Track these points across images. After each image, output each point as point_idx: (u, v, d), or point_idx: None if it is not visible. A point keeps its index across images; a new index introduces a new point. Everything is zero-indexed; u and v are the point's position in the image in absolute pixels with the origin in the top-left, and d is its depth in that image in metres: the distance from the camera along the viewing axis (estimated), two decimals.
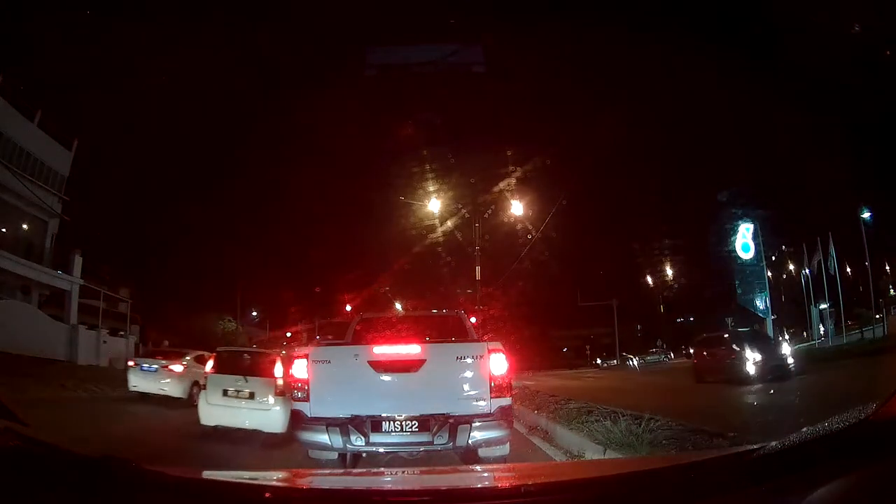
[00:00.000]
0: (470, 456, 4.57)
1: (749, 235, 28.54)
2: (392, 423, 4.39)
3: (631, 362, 42.10)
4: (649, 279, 52.21)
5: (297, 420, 4.54)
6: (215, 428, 7.36)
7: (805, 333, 31.12)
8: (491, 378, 4.47)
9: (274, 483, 2.09)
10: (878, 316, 23.35)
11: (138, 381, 12.37)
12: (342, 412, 4.40)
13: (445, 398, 4.49)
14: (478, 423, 4.36)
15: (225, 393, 7.48)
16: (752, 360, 13.11)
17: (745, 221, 28.53)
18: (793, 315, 33.69)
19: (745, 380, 12.55)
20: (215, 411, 7.43)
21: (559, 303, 45.88)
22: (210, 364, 8.38)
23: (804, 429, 1.51)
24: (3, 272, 19.66)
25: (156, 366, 12.41)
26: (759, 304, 28.53)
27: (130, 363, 13.41)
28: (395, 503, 1.77)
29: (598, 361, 46.25)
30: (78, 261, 23.18)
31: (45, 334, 19.97)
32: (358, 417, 4.37)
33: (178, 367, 12.19)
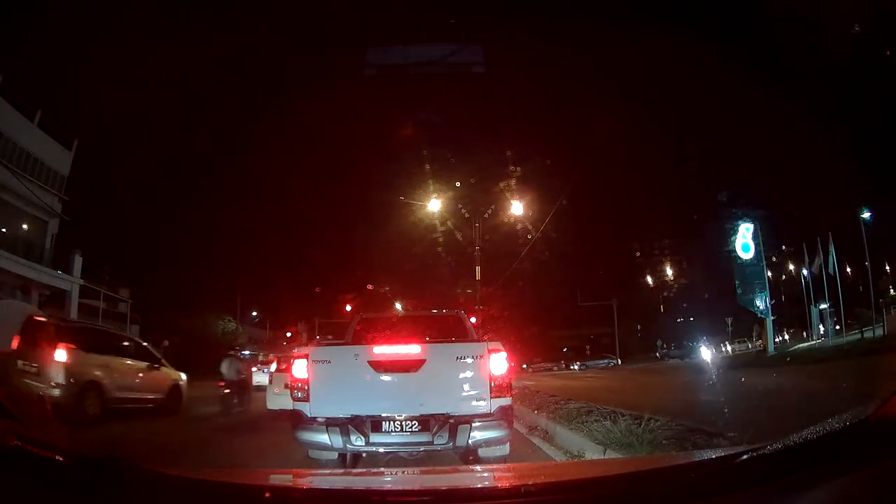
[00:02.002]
0: (470, 456, 4.56)
1: (749, 235, 28.58)
2: (392, 423, 4.38)
3: (557, 367, 41.79)
4: (649, 279, 52.39)
5: (297, 420, 4.53)
6: (279, 411, 8.87)
7: (804, 334, 31.17)
8: (491, 378, 4.47)
9: (274, 483, 2.10)
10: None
11: (257, 378, 15.94)
12: (342, 412, 4.39)
13: (445, 398, 4.49)
14: (478, 423, 4.36)
15: (286, 386, 8.70)
16: None
17: (745, 221, 28.59)
18: (793, 315, 33.73)
19: None
20: (279, 399, 9.13)
21: (559, 303, 46.00)
22: (274, 366, 10.65)
23: (804, 429, 1.51)
24: (3, 272, 19.67)
25: (268, 369, 16.24)
26: (759, 304, 28.55)
27: (254, 368, 16.73)
28: (395, 503, 1.77)
29: (524, 366, 45.73)
30: (78, 261, 23.19)
31: None
32: (358, 417, 4.36)
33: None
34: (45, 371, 8.68)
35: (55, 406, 8.31)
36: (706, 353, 25.13)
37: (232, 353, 12.97)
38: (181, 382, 11.67)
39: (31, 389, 8.40)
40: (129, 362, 10.48)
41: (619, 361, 43.17)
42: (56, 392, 8.56)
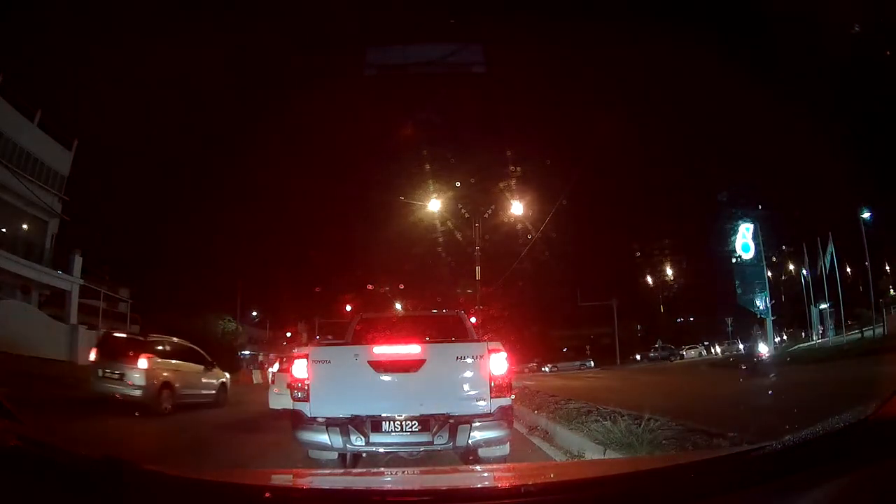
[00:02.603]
0: (470, 456, 4.56)
1: (749, 235, 28.59)
2: (392, 423, 4.38)
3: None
4: (649, 279, 52.43)
5: (297, 420, 4.53)
6: (281, 410, 8.67)
7: (804, 334, 31.16)
8: (491, 378, 4.47)
9: (274, 483, 2.10)
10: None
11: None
12: (342, 412, 4.39)
13: (445, 398, 4.48)
14: (478, 423, 4.35)
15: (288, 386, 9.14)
16: None
17: (745, 221, 28.59)
18: (793, 315, 33.71)
19: None
20: (281, 399, 9.11)
21: (559, 303, 46.01)
22: (276, 366, 10.89)
23: (804, 429, 1.52)
24: (3, 272, 19.65)
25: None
26: (759, 304, 28.54)
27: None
28: (395, 503, 1.77)
29: None
30: (78, 261, 23.15)
31: (45, 334, 19.96)
32: (358, 417, 4.36)
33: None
34: (128, 376, 10.50)
35: (137, 404, 10.13)
36: (763, 349, 24.27)
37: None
38: (226, 381, 13.77)
39: (114, 392, 10.44)
40: (191, 365, 12.22)
41: (594, 363, 42.78)
42: (138, 392, 10.38)
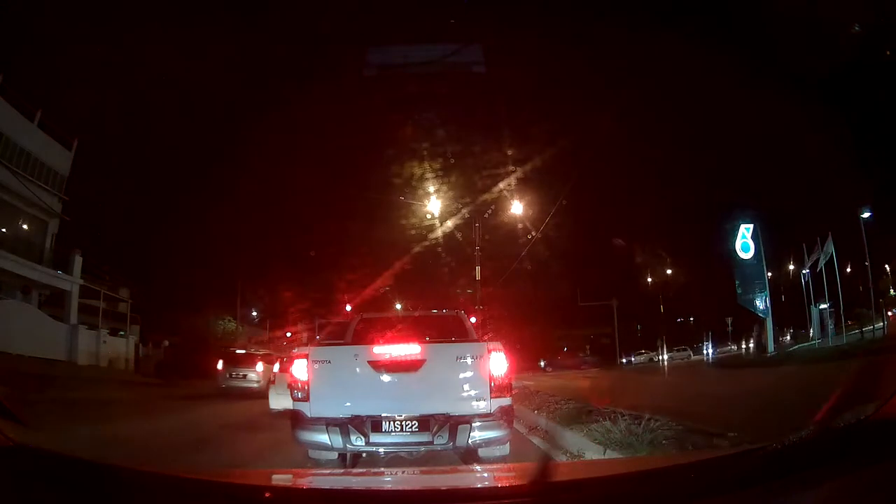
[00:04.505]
0: (470, 456, 4.56)
1: (749, 235, 28.58)
2: (392, 423, 4.38)
3: None
4: (649, 279, 52.32)
5: (297, 420, 4.53)
6: (281, 410, 9.28)
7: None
8: (491, 378, 4.47)
9: (274, 483, 2.10)
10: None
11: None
12: (342, 412, 4.39)
13: (445, 398, 4.48)
14: (478, 423, 4.35)
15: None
16: None
17: (745, 221, 28.58)
18: (793, 315, 33.68)
19: None
20: (281, 400, 9.61)
21: (559, 303, 45.84)
22: (277, 366, 12.23)
23: (804, 429, 1.51)
24: (3, 272, 19.64)
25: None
26: (759, 304, 28.52)
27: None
28: (395, 503, 1.77)
29: None
30: (78, 261, 23.13)
31: (45, 334, 19.96)
32: (358, 417, 4.36)
33: None
34: (250, 376, 15.91)
35: (256, 393, 14.31)
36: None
37: None
38: None
39: (239, 387, 15.57)
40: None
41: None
42: (257, 386, 15.21)
